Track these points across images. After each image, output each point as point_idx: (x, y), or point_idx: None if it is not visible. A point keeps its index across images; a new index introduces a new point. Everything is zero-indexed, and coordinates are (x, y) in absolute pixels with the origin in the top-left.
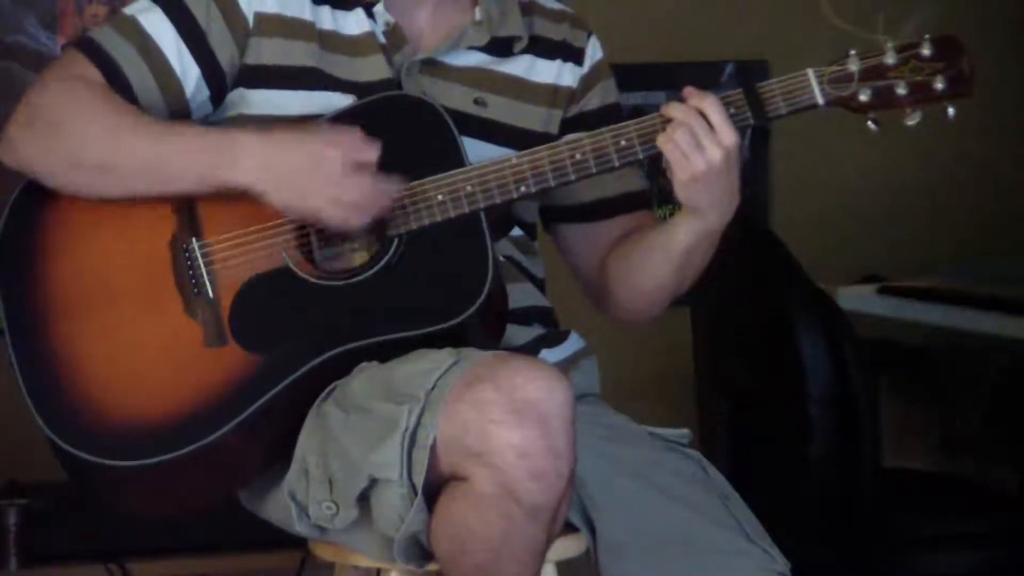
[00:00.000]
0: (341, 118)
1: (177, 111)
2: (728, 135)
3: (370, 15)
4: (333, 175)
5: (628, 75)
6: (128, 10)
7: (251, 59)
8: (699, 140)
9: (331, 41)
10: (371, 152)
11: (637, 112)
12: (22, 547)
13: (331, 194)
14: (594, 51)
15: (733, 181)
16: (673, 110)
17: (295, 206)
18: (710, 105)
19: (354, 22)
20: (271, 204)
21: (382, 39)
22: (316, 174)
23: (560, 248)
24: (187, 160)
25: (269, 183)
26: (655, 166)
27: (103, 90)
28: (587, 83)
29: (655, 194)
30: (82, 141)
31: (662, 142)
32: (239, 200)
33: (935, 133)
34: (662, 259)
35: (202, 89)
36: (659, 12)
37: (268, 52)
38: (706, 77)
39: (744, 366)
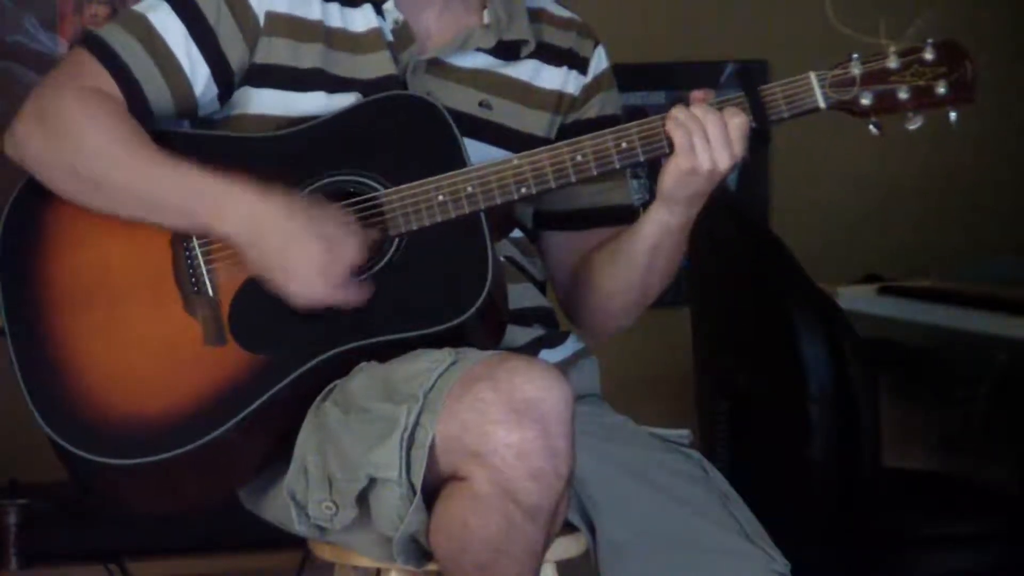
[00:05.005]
0: (343, 116)
1: (185, 110)
2: (740, 150)
3: (379, 12)
4: (301, 259)
5: (628, 75)
6: (138, 8)
7: (260, 58)
8: (710, 140)
9: (337, 38)
10: (342, 262)
11: (636, 113)
12: (22, 547)
13: (291, 267)
14: (599, 61)
15: (713, 187)
16: (697, 107)
17: (257, 267)
18: (734, 117)
19: (361, 19)
20: (245, 259)
21: (389, 36)
22: (287, 249)
23: (541, 254)
24: (177, 200)
25: (245, 238)
26: (655, 168)
27: (116, 109)
28: (588, 92)
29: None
30: (83, 155)
31: (672, 127)
32: None
33: (935, 134)
34: (626, 260)
35: (211, 88)
36: (659, 12)
37: (277, 52)
38: (706, 77)
39: (744, 366)
